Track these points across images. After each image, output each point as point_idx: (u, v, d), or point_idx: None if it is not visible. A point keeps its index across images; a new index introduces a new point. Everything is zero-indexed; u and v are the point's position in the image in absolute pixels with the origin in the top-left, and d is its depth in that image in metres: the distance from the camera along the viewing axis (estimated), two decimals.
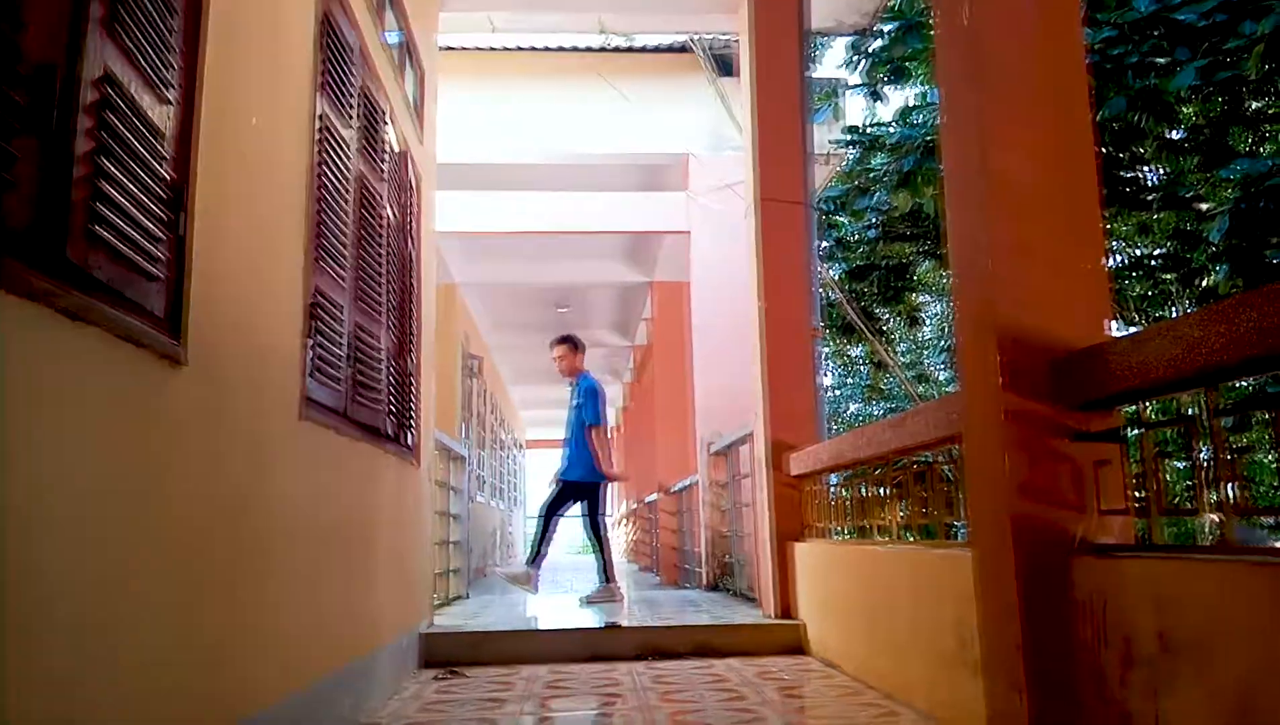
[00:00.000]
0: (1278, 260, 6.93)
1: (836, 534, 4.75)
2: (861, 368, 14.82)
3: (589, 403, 7.42)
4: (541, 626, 5.15)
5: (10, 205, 1.53)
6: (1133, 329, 9.30)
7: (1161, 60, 6.91)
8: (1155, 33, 6.97)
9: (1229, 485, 1.99)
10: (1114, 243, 9.56)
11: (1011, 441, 2.45)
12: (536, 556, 7.39)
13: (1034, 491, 2.41)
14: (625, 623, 5.14)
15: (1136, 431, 2.43)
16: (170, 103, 2.06)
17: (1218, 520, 2.07)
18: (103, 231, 1.77)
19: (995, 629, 2.49)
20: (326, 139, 3.28)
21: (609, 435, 7.82)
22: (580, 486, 7.39)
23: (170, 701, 2.08)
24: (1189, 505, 2.13)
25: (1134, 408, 2.40)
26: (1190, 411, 2.11)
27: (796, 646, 4.85)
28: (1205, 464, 2.09)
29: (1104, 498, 2.36)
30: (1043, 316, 2.54)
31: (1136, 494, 2.35)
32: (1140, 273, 9.29)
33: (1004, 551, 2.42)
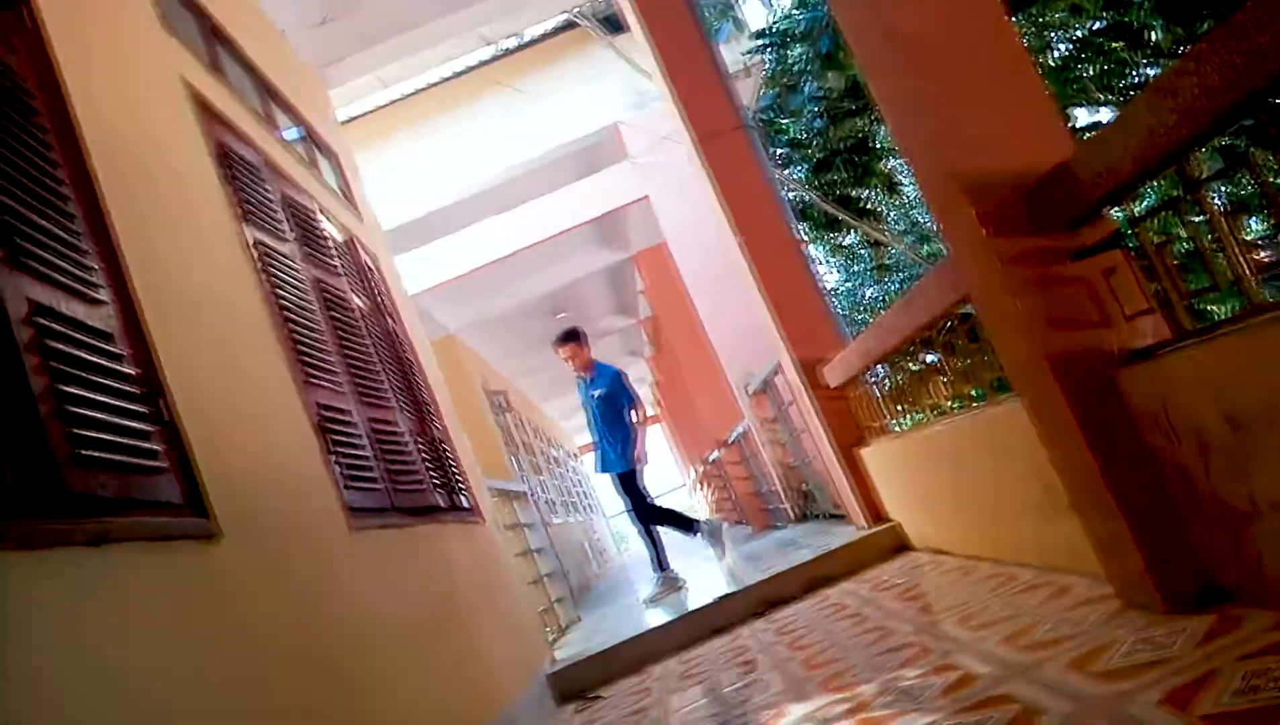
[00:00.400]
0: None
1: (895, 427, 4.74)
2: (862, 253, 14.71)
3: (620, 386, 7.28)
4: (655, 624, 5.17)
5: None
6: (1104, 110, 9.17)
7: None
8: None
9: (1235, 246, 1.96)
10: (1053, 35, 9.40)
11: (1016, 284, 2.43)
12: (661, 560, 7.20)
13: (1057, 323, 2.39)
14: (732, 588, 5.15)
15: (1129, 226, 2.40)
16: (105, 302, 2.06)
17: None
18: (92, 452, 1.78)
19: (1070, 466, 2.48)
20: (269, 263, 3.28)
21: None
22: (625, 477, 7.25)
23: None
24: (1207, 283, 2.10)
25: (1120, 209, 2.37)
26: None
27: (900, 545, 4.84)
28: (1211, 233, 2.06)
29: (1125, 304, 2.34)
30: (998, 154, 2.50)
31: (1153, 283, 2.33)
32: (1090, 52, 9.13)
33: (1050, 391, 2.40)
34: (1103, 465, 2.29)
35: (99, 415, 1.85)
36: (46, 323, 1.78)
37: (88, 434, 1.78)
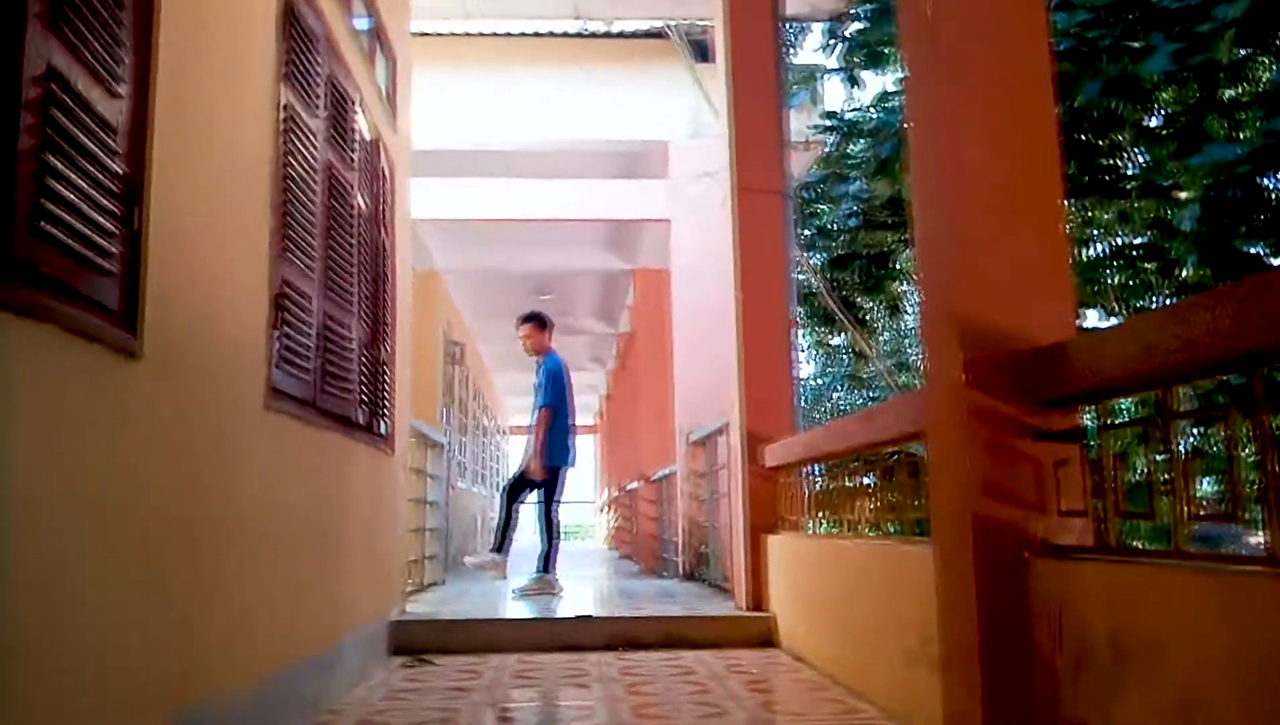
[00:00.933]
0: (1248, 248, 6.93)
1: (809, 527, 4.76)
2: (844, 357, 14.80)
3: (546, 384, 7.24)
4: (513, 616, 5.14)
5: None
6: (1114, 320, 9.29)
7: (1136, 44, 6.87)
8: (1130, 16, 6.92)
9: (1184, 489, 1.99)
10: (1095, 231, 9.50)
11: (973, 439, 2.45)
12: (503, 544, 7.26)
13: (995, 490, 2.41)
14: (596, 613, 5.14)
15: (1098, 430, 2.42)
16: (121, 97, 2.03)
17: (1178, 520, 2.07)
18: (51, 227, 1.76)
19: (954, 628, 2.50)
20: (292, 129, 3.25)
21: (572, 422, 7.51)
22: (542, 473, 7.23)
23: (131, 687, 2.10)
24: (1146, 508, 2.12)
25: (1094, 407, 2.40)
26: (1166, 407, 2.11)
27: (767, 639, 4.86)
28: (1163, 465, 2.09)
29: (1064, 498, 2.36)
30: (1006, 312, 2.53)
31: (1096, 495, 2.35)
32: (1121, 262, 9.25)
33: (964, 550, 2.42)
34: (983, 640, 2.30)
35: (72, 197, 1.82)
36: (57, 91, 1.75)
37: (53, 209, 1.76)
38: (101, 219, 1.96)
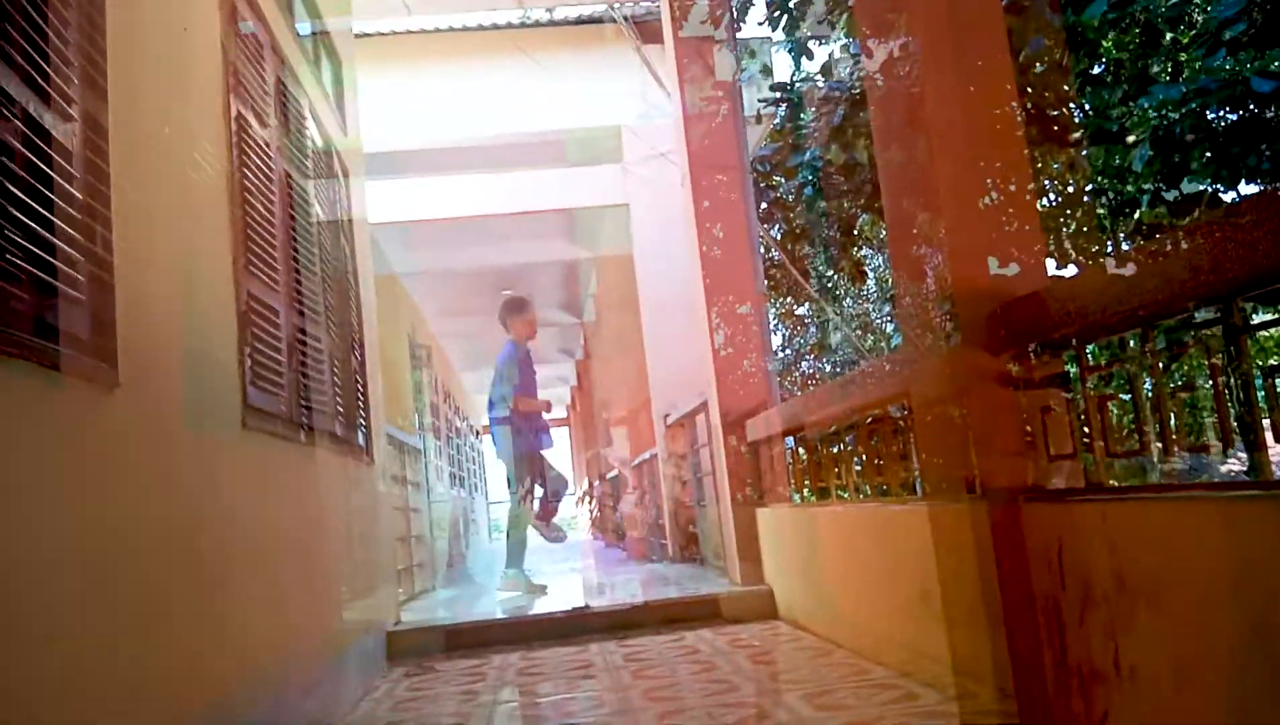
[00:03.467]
0: (1197, 185, 7.03)
1: (797, 497, 4.77)
2: (810, 326, 14.88)
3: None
4: (509, 615, 5.12)
5: None
6: (1070, 268, 9.39)
7: None
8: None
9: (1170, 422, 2.01)
10: (1046, 182, 9.59)
11: (961, 395, 2.46)
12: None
13: (983, 442, 2.42)
14: (593, 603, 5.13)
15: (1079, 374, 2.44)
16: (74, 119, 1.99)
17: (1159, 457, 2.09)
18: (13, 259, 1.72)
19: (956, 581, 2.51)
20: (244, 141, 3.21)
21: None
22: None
23: None
24: (1135, 445, 2.14)
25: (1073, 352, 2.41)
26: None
27: (767, 612, 4.86)
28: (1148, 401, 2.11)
29: (1052, 443, 2.37)
30: (980, 266, 2.54)
31: (1085, 436, 2.37)
32: (1074, 210, 9.35)
33: (959, 504, 2.43)
34: (987, 589, 2.32)
35: (32, 224, 1.78)
36: (7, 114, 1.72)
37: (15, 238, 1.72)
38: (65, 246, 1.92)
